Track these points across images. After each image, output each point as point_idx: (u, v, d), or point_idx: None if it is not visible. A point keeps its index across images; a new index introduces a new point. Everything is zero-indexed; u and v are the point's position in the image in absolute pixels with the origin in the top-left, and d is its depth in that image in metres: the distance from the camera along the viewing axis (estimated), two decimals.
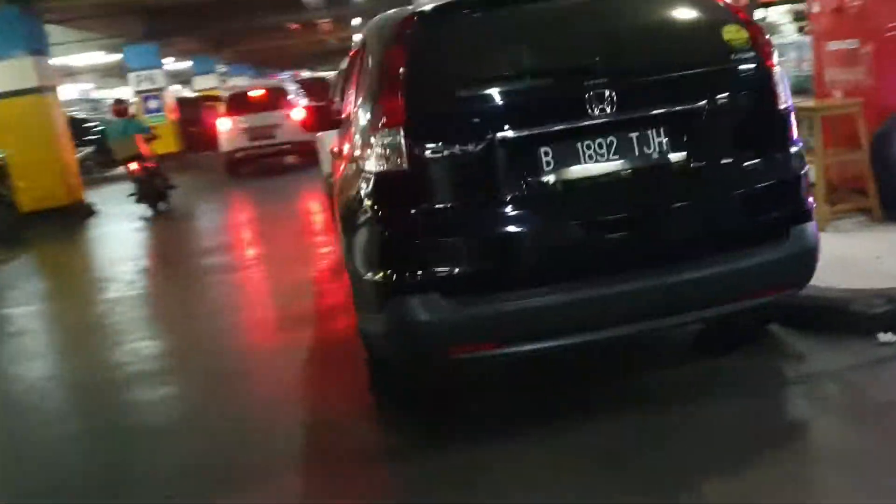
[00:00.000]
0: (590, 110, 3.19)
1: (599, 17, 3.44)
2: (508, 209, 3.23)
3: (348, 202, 3.72)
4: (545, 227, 3.26)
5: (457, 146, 3.21)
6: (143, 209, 12.53)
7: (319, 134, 9.27)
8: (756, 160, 3.37)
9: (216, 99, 27.81)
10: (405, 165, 3.21)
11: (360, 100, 3.93)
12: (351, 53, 5.23)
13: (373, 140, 3.31)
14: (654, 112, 3.26)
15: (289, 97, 17.46)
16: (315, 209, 11.31)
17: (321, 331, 5.65)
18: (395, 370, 3.81)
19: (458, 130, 3.22)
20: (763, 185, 3.37)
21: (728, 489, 3.00)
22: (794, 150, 3.46)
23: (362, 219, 3.46)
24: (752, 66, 3.35)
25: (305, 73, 53.24)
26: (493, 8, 3.46)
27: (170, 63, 29.91)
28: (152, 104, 24.01)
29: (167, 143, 21.32)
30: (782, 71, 3.42)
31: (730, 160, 3.34)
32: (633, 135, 3.25)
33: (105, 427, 4.48)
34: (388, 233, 3.31)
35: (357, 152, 3.70)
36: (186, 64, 32.97)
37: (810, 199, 3.51)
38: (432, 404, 4.03)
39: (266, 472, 3.60)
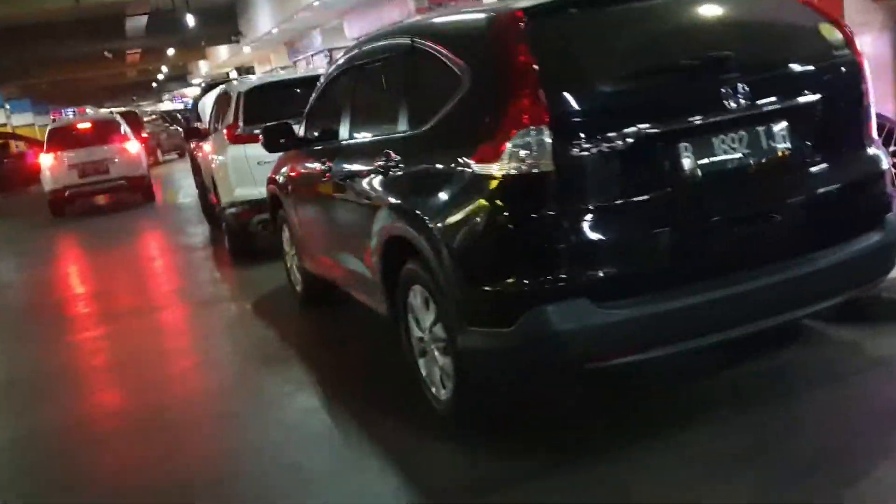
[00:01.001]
0: (725, 104, 3.18)
1: (712, 13, 3.46)
2: (653, 206, 3.15)
3: (442, 210, 3.44)
4: (689, 223, 3.20)
5: (599, 143, 3.07)
6: None
7: (218, 159, 8.65)
8: (857, 152, 3.50)
9: (12, 136, 25.77)
10: (550, 165, 3.03)
11: (415, 108, 3.78)
12: (339, 65, 5.00)
13: (502, 142, 3.10)
14: (778, 106, 3.31)
15: (122, 130, 16.32)
16: (184, 250, 10.38)
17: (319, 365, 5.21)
18: (497, 390, 3.58)
19: (600, 127, 3.08)
20: (864, 176, 3.51)
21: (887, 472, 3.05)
22: (878, 144, 3.63)
23: (484, 225, 3.22)
24: (849, 63, 3.49)
25: (89, 110, 50.37)
26: (596, 5, 3.38)
27: None
28: None
29: None
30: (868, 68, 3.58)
31: (838, 152, 3.45)
32: (761, 129, 3.28)
33: None
34: (528, 238, 3.10)
35: (443, 160, 3.49)
36: None
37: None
38: (521, 426, 3.79)
39: None
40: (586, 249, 3.09)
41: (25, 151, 23.85)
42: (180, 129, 32.76)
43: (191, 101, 54.48)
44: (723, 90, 3.17)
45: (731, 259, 3.25)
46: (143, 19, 19.87)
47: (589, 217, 3.09)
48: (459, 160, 3.36)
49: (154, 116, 33.14)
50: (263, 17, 21.63)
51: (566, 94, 3.10)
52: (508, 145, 3.08)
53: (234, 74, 36.33)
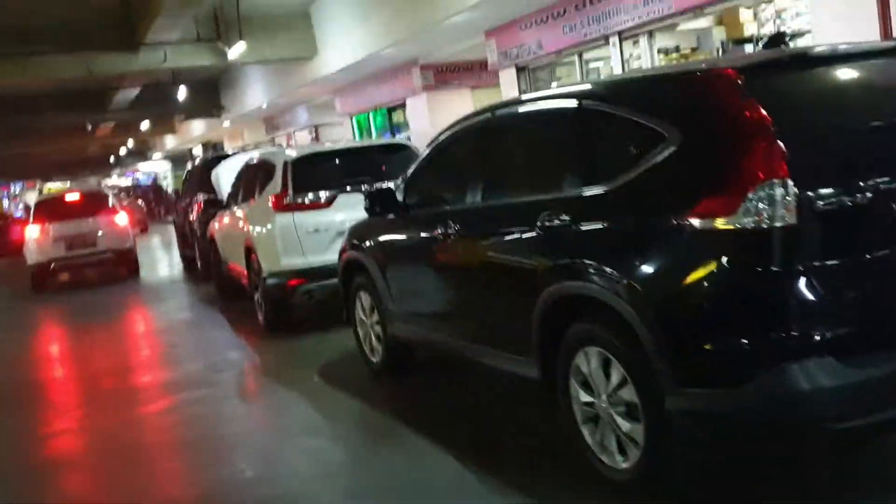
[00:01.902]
0: None
1: None
2: (890, 260, 3.14)
3: (649, 266, 3.37)
4: None
5: (835, 197, 3.08)
6: None
7: (259, 229, 8.42)
8: None
9: None
10: (792, 219, 3.01)
11: (591, 167, 3.81)
12: (459, 131, 5.01)
13: (738, 196, 3.06)
14: None
15: (109, 202, 16.00)
16: (207, 323, 9.90)
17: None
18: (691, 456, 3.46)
19: (832, 180, 3.10)
20: None
21: None
22: None
23: (713, 281, 3.16)
24: None
25: (36, 185, 49.65)
26: (802, 66, 3.46)
27: None
28: None
29: None
30: None
31: None
32: None
33: None
34: (767, 293, 3.06)
35: (646, 217, 3.45)
36: None
37: None
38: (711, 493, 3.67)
39: None
40: (827, 305, 3.05)
41: None
42: (142, 204, 32.33)
43: (143, 179, 54.09)
44: None
45: None
46: (135, 91, 19.63)
47: (829, 272, 3.06)
48: (673, 216, 3.28)
49: (116, 191, 32.66)
50: (254, 91, 21.61)
51: (800, 148, 3.10)
52: (746, 199, 3.04)
53: (197, 150, 36.13)
